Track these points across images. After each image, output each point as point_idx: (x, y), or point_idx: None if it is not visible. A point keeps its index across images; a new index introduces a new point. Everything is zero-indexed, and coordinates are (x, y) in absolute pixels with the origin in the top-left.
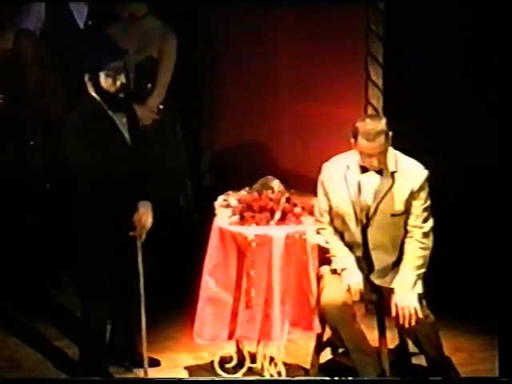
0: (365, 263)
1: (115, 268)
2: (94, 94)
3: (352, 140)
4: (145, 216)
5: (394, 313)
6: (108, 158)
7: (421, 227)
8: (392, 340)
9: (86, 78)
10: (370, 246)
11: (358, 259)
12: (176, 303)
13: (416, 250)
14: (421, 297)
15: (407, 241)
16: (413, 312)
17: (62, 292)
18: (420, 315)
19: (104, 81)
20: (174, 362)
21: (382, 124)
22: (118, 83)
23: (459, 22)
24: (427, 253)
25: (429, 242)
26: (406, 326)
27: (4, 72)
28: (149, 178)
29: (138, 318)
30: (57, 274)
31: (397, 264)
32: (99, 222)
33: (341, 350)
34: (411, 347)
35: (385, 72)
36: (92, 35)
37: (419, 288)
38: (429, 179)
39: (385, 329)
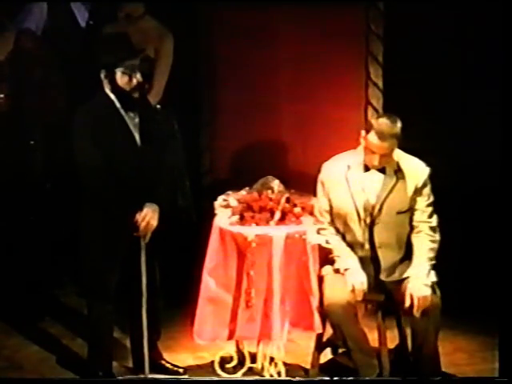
0: (371, 262)
1: (118, 266)
2: (108, 92)
3: (363, 133)
4: (148, 217)
5: (408, 303)
6: (115, 158)
7: (428, 222)
8: (392, 340)
9: (102, 75)
10: (376, 244)
11: (360, 259)
12: (176, 303)
13: (427, 243)
14: (434, 285)
15: (416, 236)
16: (429, 300)
17: (62, 292)
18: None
19: (120, 78)
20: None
21: (397, 127)
22: (135, 81)
23: (459, 22)
24: (436, 246)
25: (437, 235)
26: (418, 315)
27: (4, 72)
28: (157, 181)
29: (139, 318)
30: (58, 273)
31: (402, 261)
32: (103, 220)
33: (341, 351)
34: (411, 347)
35: (385, 72)
36: (100, 34)
37: (433, 277)
38: (431, 176)
39: (385, 329)
